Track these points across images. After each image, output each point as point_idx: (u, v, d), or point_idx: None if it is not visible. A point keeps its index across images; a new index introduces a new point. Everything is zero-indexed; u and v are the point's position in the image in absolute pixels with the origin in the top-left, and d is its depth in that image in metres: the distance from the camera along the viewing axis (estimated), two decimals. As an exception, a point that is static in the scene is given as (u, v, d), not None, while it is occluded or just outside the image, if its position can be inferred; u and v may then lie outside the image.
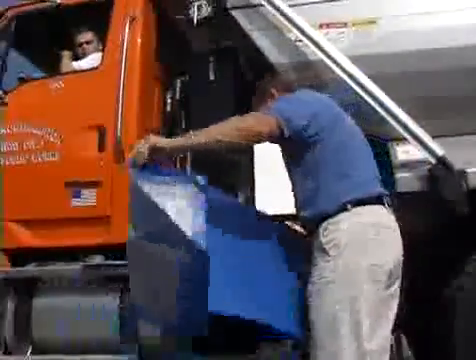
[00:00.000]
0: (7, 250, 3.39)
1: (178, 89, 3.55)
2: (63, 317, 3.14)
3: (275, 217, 3.20)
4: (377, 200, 2.13)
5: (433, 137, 2.85)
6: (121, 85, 3.23)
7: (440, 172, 2.77)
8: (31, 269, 3.30)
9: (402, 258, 2.13)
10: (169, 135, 3.43)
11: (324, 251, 2.04)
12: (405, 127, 2.87)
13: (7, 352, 3.22)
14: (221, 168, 3.30)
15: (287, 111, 2.13)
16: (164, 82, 3.58)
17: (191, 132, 2.15)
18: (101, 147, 3.26)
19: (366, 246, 2.02)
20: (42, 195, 3.32)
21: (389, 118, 2.89)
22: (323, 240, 2.06)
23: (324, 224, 2.08)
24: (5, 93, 3.52)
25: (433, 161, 2.80)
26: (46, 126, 3.37)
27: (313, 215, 2.13)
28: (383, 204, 2.14)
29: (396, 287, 2.11)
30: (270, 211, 3.33)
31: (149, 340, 2.96)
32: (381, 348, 2.01)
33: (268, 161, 3.95)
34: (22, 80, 3.63)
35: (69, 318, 3.12)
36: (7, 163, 3.42)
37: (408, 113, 2.88)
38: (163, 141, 2.11)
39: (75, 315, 3.11)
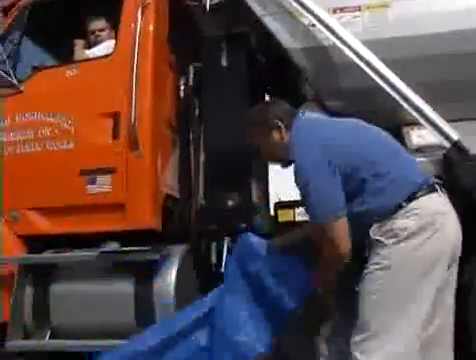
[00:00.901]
0: (24, 237, 3.42)
1: (191, 76, 3.52)
2: (80, 303, 3.17)
3: (290, 203, 3.21)
4: (427, 189, 2.13)
5: (448, 121, 2.81)
6: (134, 72, 3.22)
7: (455, 156, 2.73)
8: (48, 256, 3.33)
9: (460, 242, 2.16)
10: (183, 122, 3.43)
11: (380, 242, 2.08)
12: (420, 111, 2.84)
13: (27, 337, 3.26)
14: (235, 159, 3.28)
15: (328, 202, 2.10)
16: (177, 69, 3.56)
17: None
18: (115, 134, 3.25)
19: (424, 234, 2.06)
20: (58, 183, 3.33)
21: (403, 103, 2.85)
22: (379, 233, 2.09)
23: (377, 224, 2.11)
24: (19, 82, 3.52)
25: (448, 145, 2.76)
26: (61, 114, 3.37)
27: (368, 221, 2.12)
28: (434, 191, 2.15)
29: (453, 273, 2.15)
30: (284, 198, 3.34)
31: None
32: (431, 337, 2.07)
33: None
34: (36, 69, 3.63)
35: (86, 303, 3.15)
36: (23, 151, 3.43)
37: (423, 97, 2.84)
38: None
39: (92, 300, 3.14)
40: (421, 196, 2.10)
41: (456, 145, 2.75)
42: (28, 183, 3.39)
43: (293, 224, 3.08)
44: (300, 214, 3.09)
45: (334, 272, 2.17)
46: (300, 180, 2.13)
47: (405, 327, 2.02)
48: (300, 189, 2.15)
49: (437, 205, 2.13)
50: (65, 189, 3.31)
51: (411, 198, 2.09)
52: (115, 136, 3.26)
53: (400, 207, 2.07)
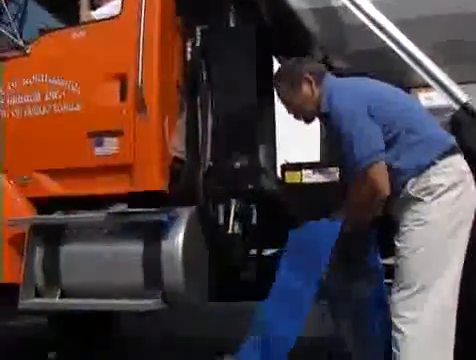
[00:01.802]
0: (34, 199, 3.42)
1: (198, 38, 3.46)
2: (89, 263, 3.19)
3: (297, 165, 3.19)
4: (455, 149, 2.22)
5: (457, 83, 2.76)
6: (141, 33, 3.16)
7: (464, 119, 2.69)
8: (58, 217, 3.34)
9: None
10: (190, 85, 3.38)
11: (417, 199, 2.13)
12: (429, 73, 2.78)
13: (38, 296, 3.29)
14: (242, 121, 3.25)
15: (369, 143, 2.15)
16: (185, 31, 3.49)
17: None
18: (122, 96, 3.22)
19: (457, 189, 2.13)
20: (66, 145, 3.32)
21: (412, 64, 2.80)
22: (415, 190, 2.14)
23: (412, 180, 2.16)
24: (26, 44, 3.47)
25: (457, 108, 2.72)
26: (68, 76, 3.33)
27: (402, 180, 2.17)
28: (459, 151, 2.23)
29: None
30: (291, 160, 3.32)
31: (172, 286, 2.98)
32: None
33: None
34: (42, 31, 3.58)
35: (95, 264, 3.17)
36: (31, 114, 3.40)
37: (432, 59, 2.78)
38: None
39: (101, 261, 3.15)
40: (451, 155, 2.18)
41: (465, 107, 2.71)
42: (37, 146, 3.38)
43: (300, 186, 3.07)
44: (307, 176, 3.07)
45: (370, 214, 2.21)
46: (342, 125, 2.18)
47: (450, 280, 2.09)
48: (341, 135, 2.19)
49: (463, 165, 2.21)
50: (73, 151, 3.30)
51: (442, 156, 2.15)
52: (122, 98, 3.22)
53: (433, 164, 2.13)
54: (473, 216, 2.18)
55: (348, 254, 2.35)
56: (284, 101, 2.47)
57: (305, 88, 2.37)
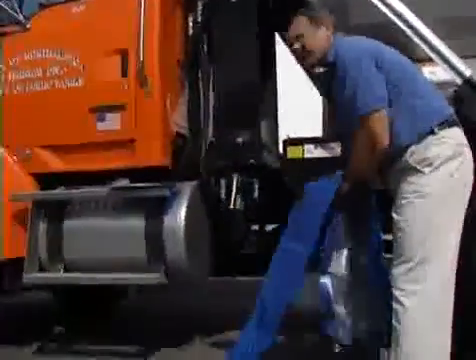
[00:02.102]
0: (37, 175, 3.42)
1: (200, 13, 3.41)
2: (92, 238, 3.20)
3: (298, 140, 3.17)
4: (454, 121, 2.19)
5: (461, 58, 2.73)
6: (142, 8, 3.12)
7: (467, 93, 2.66)
8: (60, 192, 3.34)
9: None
10: (192, 59, 3.35)
11: (416, 170, 2.12)
12: (432, 47, 2.74)
13: (42, 270, 3.31)
14: (244, 95, 3.23)
15: (372, 90, 2.13)
16: (186, 6, 3.44)
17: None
18: (124, 71, 3.19)
19: (456, 160, 2.12)
20: (68, 120, 3.31)
21: (416, 38, 2.76)
22: (414, 160, 2.12)
23: (411, 148, 2.13)
24: (26, 19, 3.43)
25: (460, 82, 2.69)
26: (68, 51, 3.31)
27: (399, 143, 2.15)
28: (458, 124, 2.20)
29: None
30: (293, 134, 3.30)
31: (175, 260, 3.00)
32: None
33: (291, 86, 3.88)
34: (42, 6, 3.53)
35: (97, 239, 3.18)
36: (32, 89, 3.38)
37: (436, 33, 2.74)
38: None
39: (103, 236, 3.17)
40: (451, 126, 2.15)
41: (468, 82, 2.68)
42: (38, 121, 3.37)
43: (302, 161, 3.06)
44: (308, 151, 3.05)
45: (370, 167, 2.20)
46: (347, 73, 2.17)
47: (449, 252, 2.09)
48: (345, 83, 2.18)
49: (462, 137, 2.18)
50: (75, 127, 3.29)
51: (442, 126, 2.12)
52: (123, 73, 3.20)
53: (432, 133, 2.11)
54: (470, 190, 2.17)
55: (347, 213, 2.35)
56: (296, 34, 2.37)
57: (322, 31, 2.34)
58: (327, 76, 2.36)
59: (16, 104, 3.39)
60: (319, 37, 2.32)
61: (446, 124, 2.15)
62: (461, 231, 2.12)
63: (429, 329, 2.05)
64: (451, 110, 2.23)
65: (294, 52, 2.45)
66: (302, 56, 2.38)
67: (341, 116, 2.35)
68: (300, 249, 2.32)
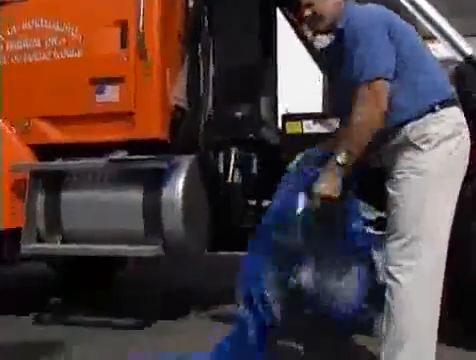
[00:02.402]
0: (35, 147, 3.40)
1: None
2: (89, 209, 3.20)
3: (297, 116, 3.16)
4: (455, 100, 2.17)
5: (463, 36, 2.70)
6: (143, -22, 3.08)
7: (468, 71, 2.65)
8: (59, 163, 3.33)
9: None
10: (192, 33, 3.31)
11: (414, 146, 2.09)
12: (434, 25, 2.72)
13: (40, 241, 3.31)
14: (244, 70, 3.20)
15: (383, 58, 2.07)
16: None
17: (339, 160, 2.10)
18: (123, 43, 3.16)
19: (454, 139, 2.10)
20: (67, 92, 3.28)
21: (418, 15, 2.73)
22: (412, 136, 2.09)
23: (410, 124, 2.10)
24: (25, -12, 3.38)
25: (461, 60, 2.67)
26: (67, 22, 3.26)
27: (399, 118, 2.11)
28: (458, 104, 2.18)
29: None
30: (293, 110, 3.29)
31: (172, 232, 3.00)
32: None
33: (291, 62, 3.85)
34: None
35: (95, 210, 3.18)
36: (31, 60, 3.35)
37: (439, 11, 2.71)
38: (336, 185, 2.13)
39: (101, 208, 3.17)
40: (451, 105, 2.13)
41: (470, 60, 2.67)
42: (36, 92, 3.34)
43: (301, 136, 3.04)
44: (307, 127, 3.04)
45: (368, 138, 2.10)
46: (358, 39, 2.10)
47: (445, 229, 2.09)
48: (354, 49, 2.10)
49: (461, 117, 2.16)
50: (74, 98, 3.26)
51: (442, 105, 2.10)
52: (123, 45, 3.16)
53: (433, 111, 2.08)
54: (465, 169, 2.16)
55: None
56: (308, 2, 2.27)
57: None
58: (332, 50, 2.32)
59: (14, 74, 3.35)
60: (330, 3, 2.25)
61: (447, 103, 2.12)
62: (454, 209, 2.11)
63: (422, 305, 2.07)
64: (453, 89, 2.20)
65: (304, 20, 2.38)
66: (312, 22, 2.32)
67: (342, 93, 2.31)
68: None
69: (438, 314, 2.08)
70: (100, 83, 3.19)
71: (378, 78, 2.05)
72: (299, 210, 2.21)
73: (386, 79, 2.06)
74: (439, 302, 2.08)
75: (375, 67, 2.06)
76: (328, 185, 2.10)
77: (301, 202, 2.21)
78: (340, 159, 2.08)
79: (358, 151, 2.09)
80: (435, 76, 2.16)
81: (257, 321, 2.26)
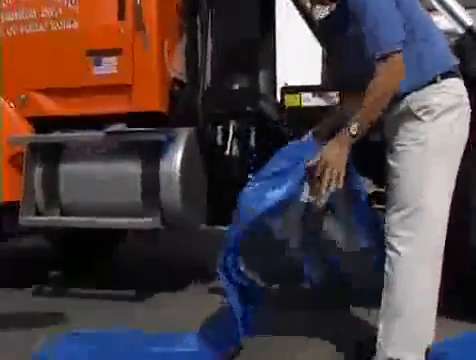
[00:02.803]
0: (32, 119, 3.37)
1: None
2: (88, 182, 3.18)
3: (296, 88, 3.13)
4: (457, 72, 2.15)
5: (465, 8, 2.66)
6: None
7: (468, 43, 2.62)
8: (56, 136, 3.30)
9: None
10: (190, 6, 3.26)
11: (415, 117, 2.07)
12: (436, -3, 2.67)
13: (39, 214, 3.30)
14: (243, 43, 3.16)
15: (395, 30, 2.01)
16: None
17: (352, 130, 2.03)
18: (121, 14, 3.10)
19: (456, 111, 2.08)
20: (64, 64, 3.23)
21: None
22: (414, 107, 2.07)
23: (412, 95, 2.07)
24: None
25: (461, 32, 2.63)
26: (64, -8, 3.20)
27: (402, 88, 2.07)
28: (460, 76, 2.15)
29: None
30: (291, 83, 3.26)
31: (170, 204, 2.99)
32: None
33: (290, 34, 3.80)
34: None
35: (93, 183, 3.16)
36: (27, 31, 3.29)
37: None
38: (343, 158, 2.07)
39: (99, 181, 3.14)
40: (453, 77, 2.11)
41: (470, 31, 2.63)
42: (33, 64, 3.29)
43: (300, 109, 3.02)
44: (306, 99, 3.01)
45: (379, 110, 2.05)
46: (366, 8, 2.02)
47: (444, 201, 2.08)
48: (363, 19, 2.03)
49: (462, 89, 2.14)
50: (71, 70, 3.21)
51: (445, 76, 2.08)
52: (121, 17, 3.11)
53: (435, 81, 2.06)
54: (465, 142, 2.14)
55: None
56: None
57: None
58: (332, 20, 2.27)
59: (10, 46, 3.29)
60: None
61: (449, 74, 2.10)
62: (454, 182, 2.10)
63: (422, 276, 2.06)
64: (455, 61, 2.18)
65: None
66: None
67: (347, 66, 2.25)
68: None
69: (438, 287, 2.08)
70: (98, 55, 3.13)
71: (393, 52, 1.99)
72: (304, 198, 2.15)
73: (399, 51, 2.00)
74: (439, 275, 2.08)
75: (388, 42, 2.00)
76: (336, 154, 2.04)
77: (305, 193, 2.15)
78: (354, 130, 2.02)
79: (372, 123, 2.05)
80: (439, 47, 2.14)
81: (234, 289, 2.25)
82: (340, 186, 2.05)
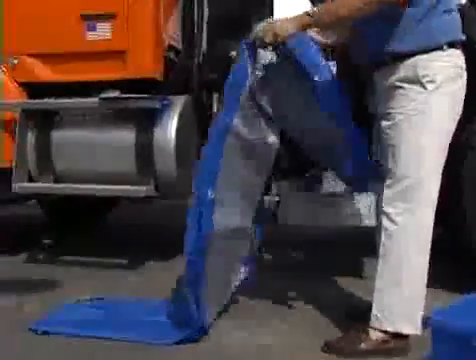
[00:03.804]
0: (25, 85, 3.27)
1: None
2: (82, 149, 3.11)
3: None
4: (461, 44, 2.10)
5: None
6: None
7: (469, 13, 2.53)
8: (49, 101, 3.20)
9: None
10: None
11: (420, 84, 2.02)
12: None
13: (32, 181, 3.23)
14: (238, 9, 3.07)
15: None
16: None
17: (310, 11, 2.07)
18: (115, -22, 3.00)
19: (456, 83, 2.05)
20: (57, 28, 3.12)
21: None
22: (420, 73, 2.02)
23: (417, 58, 2.02)
24: None
25: (465, 1, 2.56)
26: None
27: (407, 49, 2.03)
28: (460, 49, 2.11)
29: None
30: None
31: (164, 173, 2.94)
32: None
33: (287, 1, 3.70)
34: None
35: (87, 151, 3.09)
36: (18, -5, 3.18)
37: None
38: (288, 26, 2.11)
39: (93, 148, 3.08)
40: (457, 48, 2.07)
41: (473, 2, 2.56)
42: (26, 28, 3.17)
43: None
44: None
45: (337, 17, 2.04)
46: None
47: (439, 173, 2.07)
48: None
49: (463, 61, 2.10)
50: (64, 35, 3.12)
51: (451, 44, 2.04)
52: (115, -20, 3.01)
53: (441, 48, 2.02)
54: (460, 114, 2.10)
55: None
56: None
57: None
58: None
59: (4, 10, 3.18)
60: None
61: (455, 44, 2.05)
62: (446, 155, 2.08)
63: (417, 247, 2.05)
64: (462, 36, 2.11)
65: None
66: None
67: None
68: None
69: (428, 257, 2.06)
70: (91, 19, 3.05)
71: None
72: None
73: None
74: (430, 241, 2.06)
75: None
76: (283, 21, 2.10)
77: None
78: (311, 12, 2.05)
79: (329, 21, 2.07)
80: (450, 15, 2.07)
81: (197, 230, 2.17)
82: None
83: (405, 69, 2.03)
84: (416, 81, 2.01)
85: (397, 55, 2.04)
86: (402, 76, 2.04)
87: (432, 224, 2.06)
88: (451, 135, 2.08)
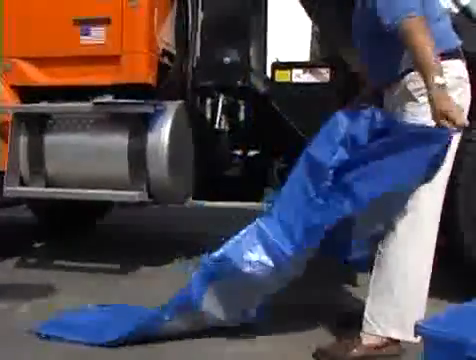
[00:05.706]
0: (18, 88, 3.23)
1: None
2: (74, 154, 3.06)
3: (286, 64, 3.05)
4: (459, 53, 2.08)
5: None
6: None
7: (463, 22, 2.54)
8: (42, 105, 3.16)
9: None
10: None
11: (413, 99, 2.00)
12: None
13: (23, 185, 3.18)
14: (233, 16, 3.06)
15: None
16: None
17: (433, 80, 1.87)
18: (109, -17, 2.97)
19: (457, 90, 2.01)
20: (51, 32, 3.09)
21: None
22: (411, 88, 2.00)
23: (410, 74, 2.00)
24: None
25: (456, 11, 2.56)
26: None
27: (404, 66, 2.02)
28: (462, 58, 2.09)
29: None
30: (283, 58, 3.17)
31: (157, 178, 2.91)
32: None
33: (281, 9, 3.70)
34: None
35: (80, 155, 3.04)
36: (13, -3, 3.14)
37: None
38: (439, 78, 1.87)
39: (86, 152, 3.03)
40: (454, 58, 2.05)
41: (464, 10, 2.56)
42: (20, 32, 3.14)
43: (290, 85, 2.94)
44: (297, 75, 2.94)
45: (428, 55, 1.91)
46: None
47: (444, 182, 2.06)
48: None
49: (463, 70, 2.08)
50: (58, 39, 3.08)
51: (445, 56, 1.99)
52: (109, -15, 2.98)
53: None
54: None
55: None
56: None
57: None
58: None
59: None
60: None
61: (450, 55, 2.02)
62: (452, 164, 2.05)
63: (415, 254, 2.01)
64: (458, 41, 2.10)
65: None
66: None
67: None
68: None
69: (431, 264, 2.04)
70: (85, 24, 3.01)
71: (410, 16, 1.88)
72: None
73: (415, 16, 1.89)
74: (432, 253, 2.03)
75: (403, 8, 1.89)
76: (448, 102, 1.84)
77: None
78: (439, 80, 1.84)
79: (428, 56, 1.87)
80: (444, 26, 2.06)
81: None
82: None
83: (401, 85, 2.03)
84: (410, 97, 2.00)
85: (395, 74, 2.03)
86: (400, 94, 2.04)
87: (434, 230, 2.04)
88: (456, 142, 2.04)
